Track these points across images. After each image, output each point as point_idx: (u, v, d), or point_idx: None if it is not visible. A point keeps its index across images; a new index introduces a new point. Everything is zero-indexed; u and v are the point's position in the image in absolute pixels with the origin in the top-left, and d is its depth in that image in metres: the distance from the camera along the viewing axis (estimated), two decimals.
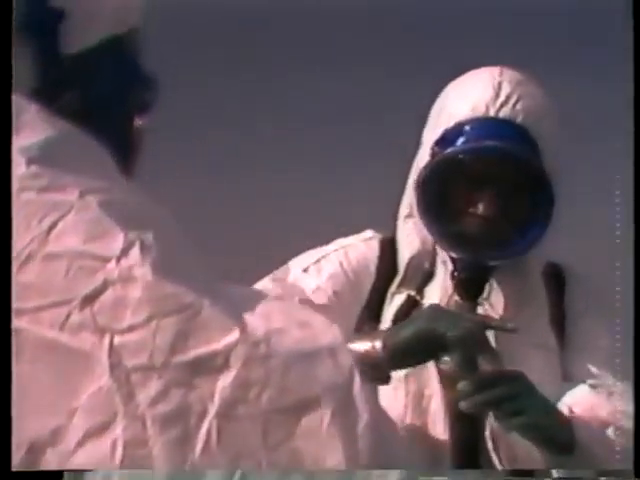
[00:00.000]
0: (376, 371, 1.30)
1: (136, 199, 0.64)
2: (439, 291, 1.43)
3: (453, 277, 1.40)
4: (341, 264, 1.48)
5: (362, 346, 1.27)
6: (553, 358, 1.43)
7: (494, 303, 1.41)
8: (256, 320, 0.60)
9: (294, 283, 1.48)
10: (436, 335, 1.22)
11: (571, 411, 1.34)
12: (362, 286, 1.47)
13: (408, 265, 1.46)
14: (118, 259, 0.58)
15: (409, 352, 1.24)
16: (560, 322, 1.44)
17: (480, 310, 1.40)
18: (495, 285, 1.42)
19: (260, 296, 0.65)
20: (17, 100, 0.64)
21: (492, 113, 1.34)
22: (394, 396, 1.37)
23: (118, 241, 0.59)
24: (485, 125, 1.35)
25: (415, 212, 1.41)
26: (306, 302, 1.43)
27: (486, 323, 1.28)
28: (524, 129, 1.34)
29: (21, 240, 0.58)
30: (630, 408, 1.35)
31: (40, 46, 0.67)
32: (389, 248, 1.49)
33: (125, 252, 0.58)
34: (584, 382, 1.40)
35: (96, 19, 0.72)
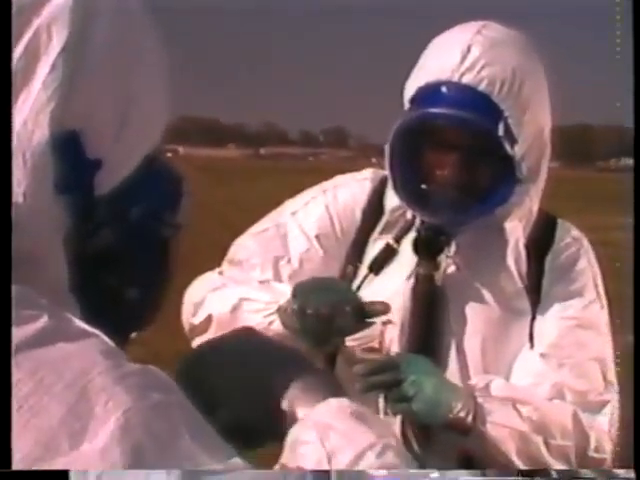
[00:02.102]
0: (287, 321, 1.37)
1: None
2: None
3: (417, 234, 1.43)
4: (327, 207, 1.52)
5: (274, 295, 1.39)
6: (524, 324, 1.45)
7: (461, 262, 1.45)
8: None
9: (279, 230, 1.53)
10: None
11: (487, 388, 1.37)
12: (347, 230, 1.52)
13: (391, 213, 1.49)
14: None
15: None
16: (536, 290, 1.45)
17: (449, 266, 1.44)
18: (466, 246, 1.45)
19: None
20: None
21: (455, 78, 1.34)
22: None
23: None
24: (450, 90, 1.35)
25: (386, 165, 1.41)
26: (276, 261, 1.50)
27: (352, 302, 1.33)
28: (486, 95, 1.33)
29: None
30: (580, 383, 1.40)
31: (76, 195, 0.64)
32: (381, 190, 1.52)
33: None
34: (537, 350, 1.43)
35: (130, 157, 0.68)
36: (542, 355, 1.42)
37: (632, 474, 1.36)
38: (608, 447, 1.40)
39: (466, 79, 1.34)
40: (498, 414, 1.34)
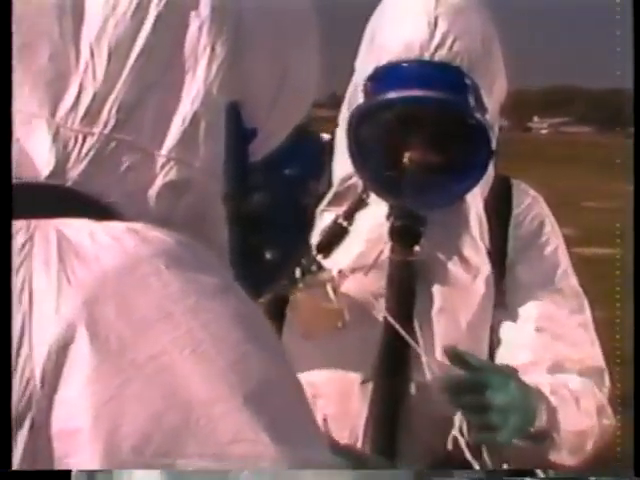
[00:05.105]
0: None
1: None
2: (371, 223, 1.34)
3: (388, 222, 1.31)
4: None
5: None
6: (490, 291, 1.37)
7: (430, 241, 1.33)
8: None
9: None
10: None
11: (553, 392, 1.26)
12: None
13: (341, 183, 1.37)
14: None
15: None
16: (500, 254, 1.39)
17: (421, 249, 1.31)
18: (432, 223, 1.33)
19: None
20: None
21: (427, 56, 1.24)
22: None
23: None
24: (418, 69, 1.26)
25: (345, 151, 1.30)
26: None
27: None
28: (460, 71, 1.25)
29: None
30: (575, 351, 1.33)
31: (233, 162, 0.66)
32: (329, 155, 1.38)
33: None
34: (528, 324, 1.35)
35: (283, 127, 0.71)
36: (537, 329, 1.35)
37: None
38: (610, 412, 1.36)
39: (439, 56, 1.25)
40: (570, 420, 1.26)
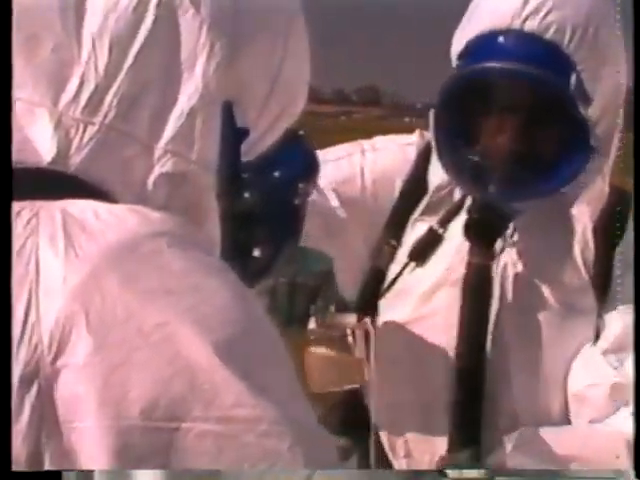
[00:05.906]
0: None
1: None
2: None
3: (468, 216, 1.21)
4: (362, 170, 1.31)
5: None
6: (588, 324, 1.25)
7: (520, 251, 1.24)
8: None
9: None
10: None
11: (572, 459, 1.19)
12: (382, 202, 1.30)
13: (436, 192, 1.27)
14: None
15: None
16: (605, 284, 1.24)
17: (504, 258, 1.23)
18: (524, 232, 1.23)
19: None
20: None
21: (517, 26, 1.13)
22: None
23: None
24: (513, 40, 1.14)
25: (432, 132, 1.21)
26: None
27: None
28: (554, 45, 1.12)
29: None
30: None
31: (225, 159, 0.68)
32: (426, 160, 1.29)
33: None
34: (598, 346, 1.25)
35: (273, 128, 0.73)
36: (603, 352, 1.23)
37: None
38: None
39: (529, 26, 1.12)
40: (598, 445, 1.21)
